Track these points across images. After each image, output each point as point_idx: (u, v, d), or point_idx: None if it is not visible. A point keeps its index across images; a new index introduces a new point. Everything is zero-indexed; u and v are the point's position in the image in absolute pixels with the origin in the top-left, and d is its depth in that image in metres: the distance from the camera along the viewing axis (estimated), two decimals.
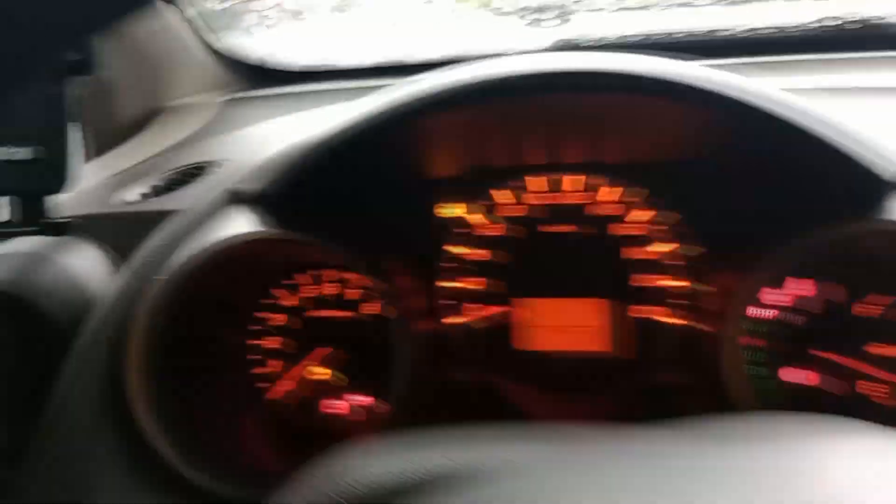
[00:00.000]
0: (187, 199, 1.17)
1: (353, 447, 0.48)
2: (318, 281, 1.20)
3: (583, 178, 1.17)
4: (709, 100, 0.88)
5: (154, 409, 0.92)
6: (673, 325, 1.12)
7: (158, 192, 1.27)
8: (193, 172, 1.30)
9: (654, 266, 1.14)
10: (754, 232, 0.97)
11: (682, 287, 1.12)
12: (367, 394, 1.17)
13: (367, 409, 1.16)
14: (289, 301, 1.20)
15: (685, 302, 1.12)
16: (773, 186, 0.99)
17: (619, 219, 1.15)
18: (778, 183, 0.98)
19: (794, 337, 1.05)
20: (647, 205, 1.14)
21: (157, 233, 1.03)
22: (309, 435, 1.15)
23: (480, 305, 1.19)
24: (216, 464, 0.94)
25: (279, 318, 1.20)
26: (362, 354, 1.17)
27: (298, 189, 0.92)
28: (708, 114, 0.92)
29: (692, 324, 1.11)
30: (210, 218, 0.95)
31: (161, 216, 1.08)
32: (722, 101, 0.87)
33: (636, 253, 1.14)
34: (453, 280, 1.20)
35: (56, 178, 1.11)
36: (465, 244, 1.19)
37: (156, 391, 0.93)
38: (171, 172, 1.32)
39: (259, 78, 1.64)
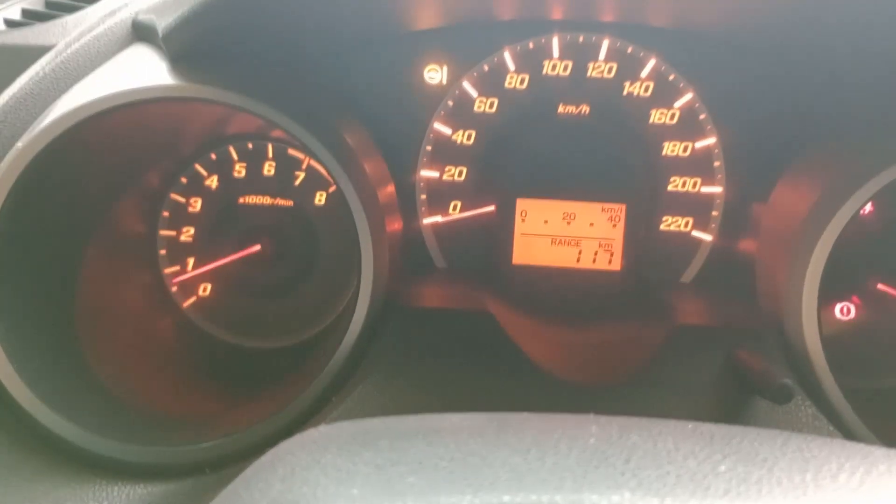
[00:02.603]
0: (69, 30, 0.88)
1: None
2: (250, 158, 0.92)
3: (616, 43, 0.89)
4: None
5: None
6: (705, 241, 0.93)
7: (32, 17, 0.95)
8: None
9: (688, 166, 0.91)
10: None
11: (719, 194, 0.92)
12: (309, 307, 0.93)
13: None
14: (211, 182, 0.93)
15: (721, 214, 0.92)
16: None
17: (653, 102, 0.91)
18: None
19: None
20: (689, 86, 0.89)
21: (29, 73, 0.75)
22: (231, 362, 0.91)
23: (471, 204, 0.93)
24: (98, 406, 0.71)
25: (198, 203, 0.93)
26: (306, 257, 0.92)
27: (234, 32, 0.69)
28: None
29: (733, 242, 0.91)
30: (109, 57, 0.75)
31: (34, 52, 0.80)
32: None
33: (670, 148, 0.91)
34: (438, 169, 0.92)
35: None
36: (456, 122, 0.91)
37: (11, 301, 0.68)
38: None
39: None
